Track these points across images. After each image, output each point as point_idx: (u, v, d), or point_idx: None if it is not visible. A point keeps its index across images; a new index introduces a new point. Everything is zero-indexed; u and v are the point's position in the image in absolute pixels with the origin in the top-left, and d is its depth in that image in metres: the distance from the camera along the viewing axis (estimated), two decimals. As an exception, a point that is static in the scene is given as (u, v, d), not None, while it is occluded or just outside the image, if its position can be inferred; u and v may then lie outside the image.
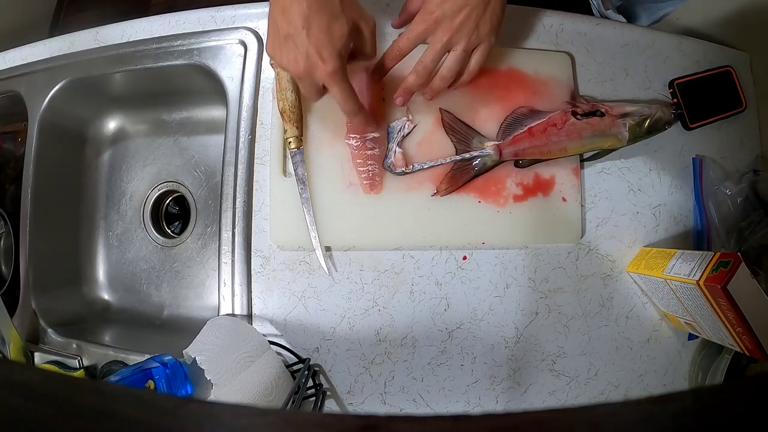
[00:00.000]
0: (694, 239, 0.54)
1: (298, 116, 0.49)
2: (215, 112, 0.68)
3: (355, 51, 0.42)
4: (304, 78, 0.40)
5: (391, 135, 0.50)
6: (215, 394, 0.43)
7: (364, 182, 0.50)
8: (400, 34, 0.45)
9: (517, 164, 0.51)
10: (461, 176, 0.50)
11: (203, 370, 0.43)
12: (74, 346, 0.56)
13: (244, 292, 0.51)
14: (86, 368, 0.54)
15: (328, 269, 0.50)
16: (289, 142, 0.48)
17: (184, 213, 0.70)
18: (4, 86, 0.63)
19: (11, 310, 0.56)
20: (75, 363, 0.55)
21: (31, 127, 0.60)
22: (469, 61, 0.45)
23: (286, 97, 0.48)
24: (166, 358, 0.50)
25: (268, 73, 0.53)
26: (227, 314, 0.51)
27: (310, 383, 0.49)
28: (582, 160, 0.53)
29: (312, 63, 0.38)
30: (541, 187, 0.51)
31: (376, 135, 0.50)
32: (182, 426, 0.14)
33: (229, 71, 0.55)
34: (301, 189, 0.49)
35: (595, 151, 0.52)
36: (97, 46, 0.59)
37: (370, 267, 0.52)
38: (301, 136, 0.49)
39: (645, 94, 0.55)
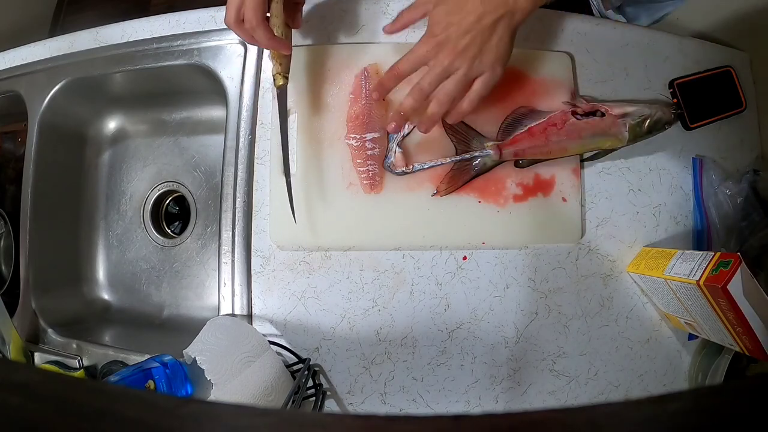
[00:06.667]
0: (694, 239, 0.54)
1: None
2: (215, 112, 0.68)
3: None
4: None
5: (391, 135, 0.50)
6: (215, 394, 0.43)
7: (364, 182, 0.50)
8: (401, 57, 0.44)
9: (517, 164, 0.51)
10: (461, 176, 0.50)
11: (203, 370, 0.43)
12: (74, 346, 0.56)
13: (244, 292, 0.51)
14: (86, 368, 0.54)
15: (293, 212, 0.48)
16: (275, 79, 0.47)
17: (184, 213, 0.70)
18: (4, 86, 0.63)
19: (11, 310, 0.56)
20: (75, 363, 0.55)
21: (31, 127, 0.61)
22: (471, 89, 0.44)
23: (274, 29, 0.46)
24: (166, 358, 0.50)
25: (269, 73, 0.53)
26: (227, 314, 0.51)
27: (310, 383, 0.49)
28: (582, 160, 0.53)
29: None
30: (541, 187, 0.51)
31: (376, 135, 0.50)
32: (182, 426, 0.14)
33: (229, 71, 0.55)
34: (281, 123, 0.47)
35: (595, 151, 0.52)
36: (97, 46, 0.59)
37: (370, 267, 0.52)
38: (287, 73, 0.47)
39: (645, 94, 0.55)
